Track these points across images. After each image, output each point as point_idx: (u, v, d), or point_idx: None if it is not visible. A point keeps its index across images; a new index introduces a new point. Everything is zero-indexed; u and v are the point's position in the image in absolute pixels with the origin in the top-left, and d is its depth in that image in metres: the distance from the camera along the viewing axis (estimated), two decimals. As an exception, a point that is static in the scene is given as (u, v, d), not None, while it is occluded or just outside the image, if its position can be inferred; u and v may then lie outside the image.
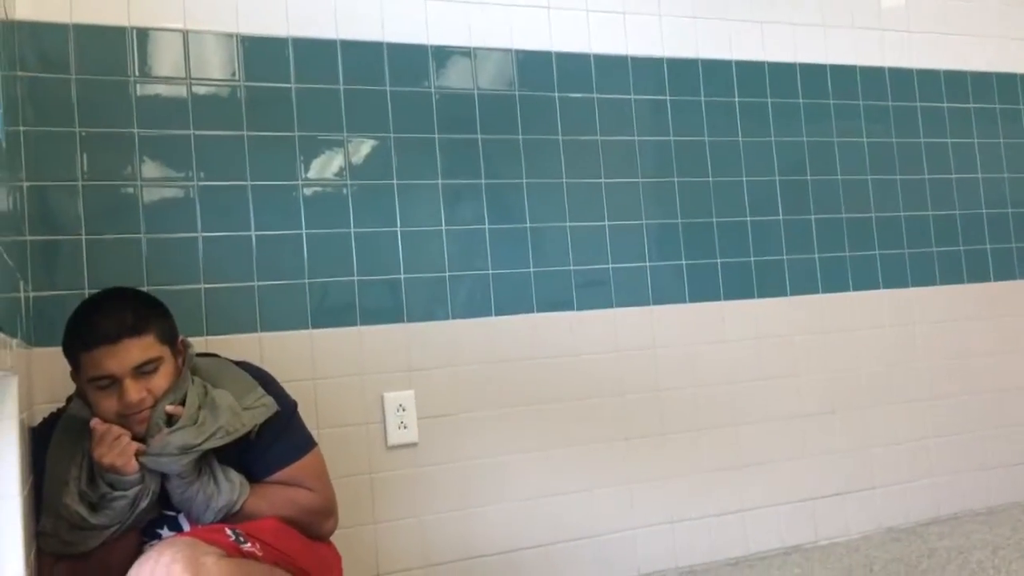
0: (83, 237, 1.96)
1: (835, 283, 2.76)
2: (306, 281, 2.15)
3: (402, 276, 2.24)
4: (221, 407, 1.58)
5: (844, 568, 2.38)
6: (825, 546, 2.60)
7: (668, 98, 2.60)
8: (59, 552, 1.50)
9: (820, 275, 2.73)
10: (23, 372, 1.45)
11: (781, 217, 2.71)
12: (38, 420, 1.66)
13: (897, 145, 2.90)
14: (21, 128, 1.91)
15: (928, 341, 2.86)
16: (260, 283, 2.10)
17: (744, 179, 2.67)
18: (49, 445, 1.55)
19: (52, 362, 1.66)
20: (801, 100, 2.78)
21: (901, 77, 2.93)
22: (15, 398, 1.27)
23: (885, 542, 2.60)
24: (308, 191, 2.18)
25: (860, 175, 2.84)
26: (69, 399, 1.63)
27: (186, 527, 1.60)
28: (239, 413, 1.60)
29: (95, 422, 1.51)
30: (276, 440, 1.66)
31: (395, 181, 2.25)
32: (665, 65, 2.60)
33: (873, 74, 2.89)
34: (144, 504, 1.52)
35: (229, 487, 1.57)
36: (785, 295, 2.69)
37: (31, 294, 1.89)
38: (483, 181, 2.34)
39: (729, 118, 2.67)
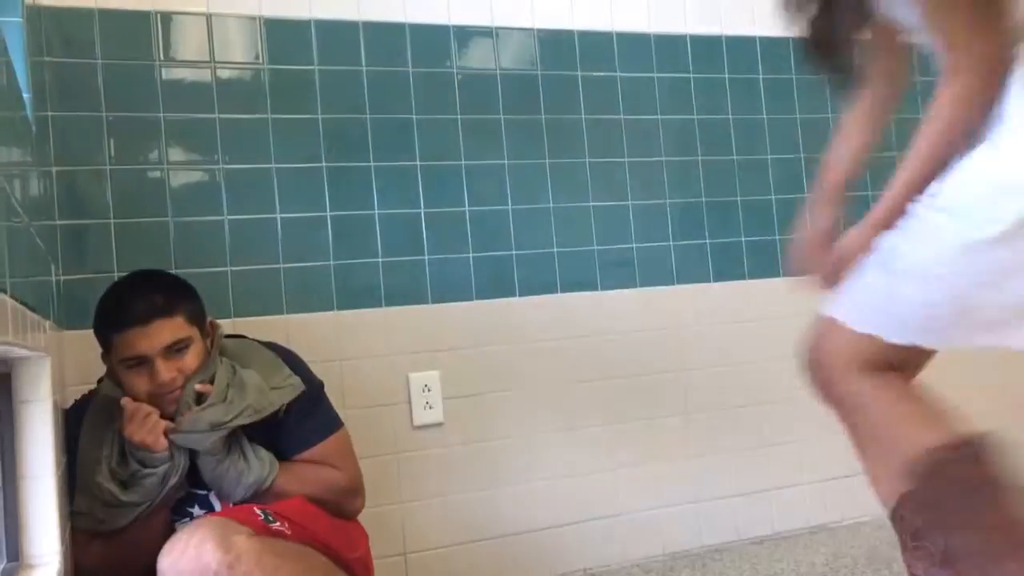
0: (112, 221, 1.98)
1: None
2: (331, 263, 2.16)
3: (426, 257, 2.24)
4: (249, 386, 1.60)
5: (870, 547, 2.37)
6: (851, 525, 2.59)
7: (692, 75, 2.58)
8: (93, 530, 1.53)
9: (846, 253, 2.71)
10: (55, 354, 1.47)
11: (807, 195, 2.68)
12: (70, 402, 1.68)
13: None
14: (49, 113, 1.92)
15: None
16: (286, 265, 2.12)
17: (769, 157, 2.64)
18: (81, 426, 1.59)
19: (83, 344, 1.68)
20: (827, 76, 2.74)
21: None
22: (49, 379, 1.29)
23: (912, 521, 2.59)
24: (332, 173, 2.18)
25: (887, 152, 2.80)
26: (100, 380, 1.65)
27: (216, 505, 1.63)
28: (267, 392, 1.62)
29: (126, 400, 1.53)
30: (304, 420, 1.68)
31: (418, 163, 2.26)
32: (688, 42, 2.58)
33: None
34: (174, 481, 1.55)
35: (259, 465, 1.59)
36: (811, 273, 2.66)
37: (62, 277, 1.91)
38: (506, 161, 2.34)
39: (753, 95, 2.64)
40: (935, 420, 1.09)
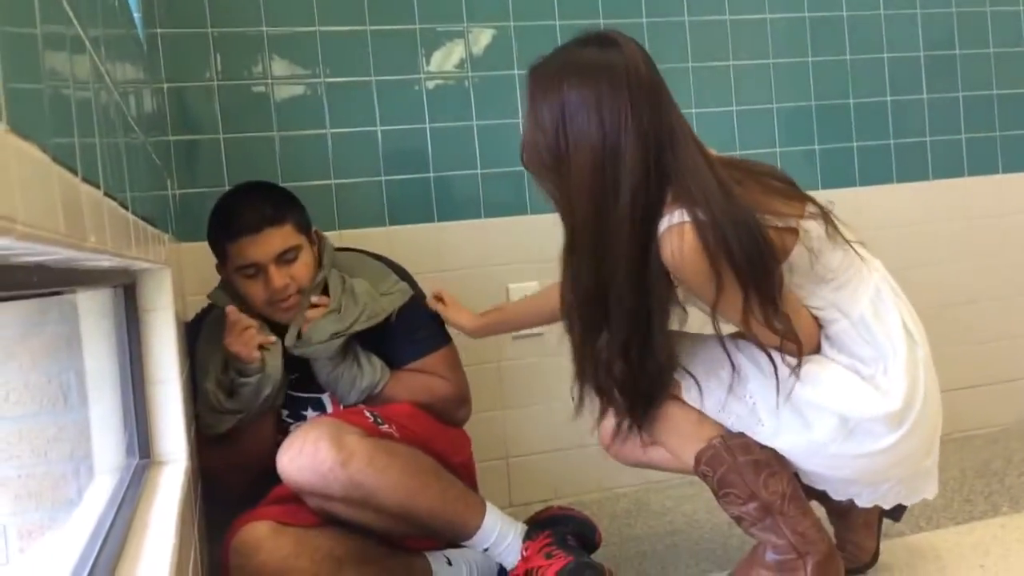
0: (221, 136, 2.04)
1: (983, 165, 2.59)
2: (431, 175, 2.17)
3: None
4: (360, 294, 1.65)
5: (981, 460, 2.31)
6: (960, 439, 2.52)
7: (802, -29, 2.44)
8: (203, 432, 1.63)
9: (967, 157, 2.57)
10: (174, 265, 1.54)
11: (925, 96, 2.54)
12: (190, 313, 1.77)
13: (1060, 12, 2.65)
14: (158, 30, 1.97)
15: (1086, 226, 2.66)
16: (387, 178, 2.15)
17: (885, 55, 2.50)
18: (199, 337, 1.68)
19: (198, 255, 1.76)
20: None
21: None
22: (170, 289, 1.36)
23: (1026, 434, 2.51)
24: (431, 84, 2.18)
25: (1015, 47, 2.62)
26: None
27: (329, 407, 1.71)
28: (377, 299, 1.67)
29: (230, 309, 1.61)
30: (414, 332, 1.73)
31: (516, 72, 2.22)
32: (799, -65, 2.43)
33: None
34: (267, 392, 1.62)
35: (371, 370, 1.66)
36: (927, 179, 2.54)
37: (177, 191, 1.99)
38: (606, 68, 2.28)
39: (869, -11, 2.49)
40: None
